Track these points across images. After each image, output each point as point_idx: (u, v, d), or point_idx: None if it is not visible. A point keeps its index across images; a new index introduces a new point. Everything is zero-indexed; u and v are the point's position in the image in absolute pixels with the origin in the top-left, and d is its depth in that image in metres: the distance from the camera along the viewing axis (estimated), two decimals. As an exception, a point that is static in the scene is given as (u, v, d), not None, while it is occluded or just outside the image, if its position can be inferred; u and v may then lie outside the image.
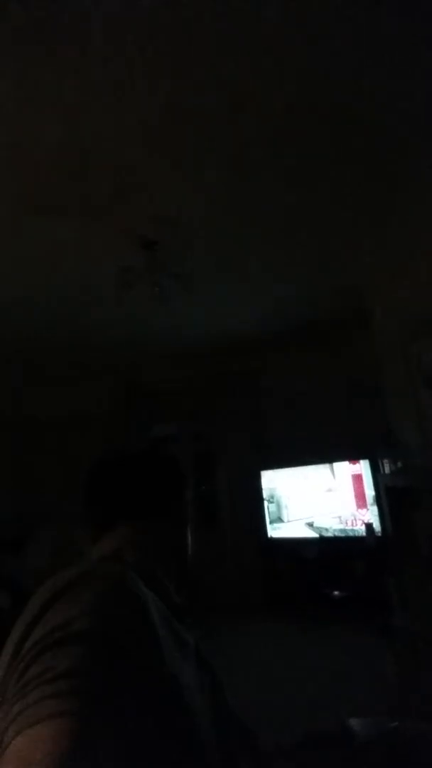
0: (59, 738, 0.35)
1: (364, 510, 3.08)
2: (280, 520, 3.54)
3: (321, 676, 2.10)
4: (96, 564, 0.62)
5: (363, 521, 3.04)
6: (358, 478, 3.19)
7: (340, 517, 3.22)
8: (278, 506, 3.57)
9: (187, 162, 1.76)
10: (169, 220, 2.09)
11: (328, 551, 3.20)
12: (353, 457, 3.24)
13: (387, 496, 2.74)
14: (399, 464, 2.51)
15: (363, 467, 3.18)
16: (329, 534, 3.24)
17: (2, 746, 0.38)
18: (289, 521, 3.48)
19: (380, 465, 2.92)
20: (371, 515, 3.02)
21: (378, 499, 2.99)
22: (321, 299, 3.22)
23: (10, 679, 0.45)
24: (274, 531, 3.50)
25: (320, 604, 2.98)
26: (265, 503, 3.61)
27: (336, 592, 3.00)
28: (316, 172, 1.89)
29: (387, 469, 2.70)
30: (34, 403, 3.91)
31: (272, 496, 3.61)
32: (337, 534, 3.20)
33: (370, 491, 3.07)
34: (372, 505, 3.03)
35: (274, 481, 3.63)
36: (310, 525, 3.36)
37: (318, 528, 3.31)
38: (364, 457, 3.17)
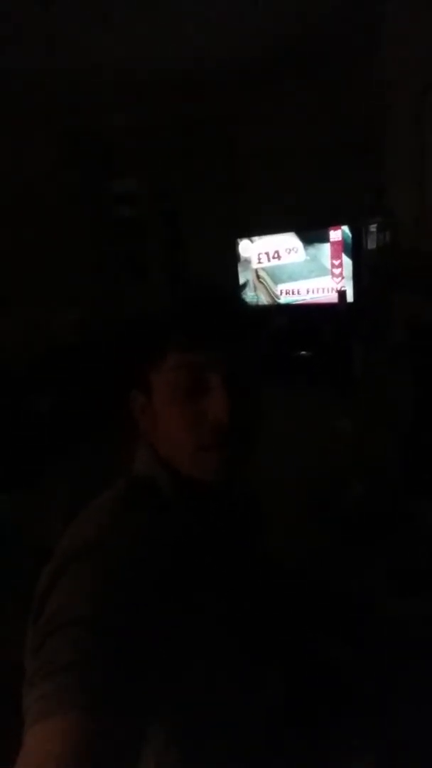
0: (62, 738, 0.37)
1: (341, 280, 3.09)
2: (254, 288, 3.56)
3: (287, 427, 2.50)
4: (114, 516, 0.57)
5: (336, 290, 3.09)
6: (336, 246, 3.08)
7: (315, 288, 3.26)
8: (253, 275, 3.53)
9: None
10: None
11: (299, 317, 3.35)
12: (334, 223, 3.04)
13: (366, 271, 2.72)
14: (386, 237, 2.40)
15: (343, 234, 3.02)
16: (302, 301, 3.33)
17: (24, 726, 0.41)
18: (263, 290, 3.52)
19: (364, 234, 2.79)
20: (347, 285, 3.05)
21: (355, 270, 2.97)
22: (312, 22, 2.37)
23: (31, 646, 0.47)
24: (248, 298, 3.55)
25: (291, 363, 3.29)
26: (239, 272, 3.55)
27: (304, 353, 3.29)
28: None
29: (370, 243, 2.59)
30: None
31: (247, 266, 3.53)
32: (309, 301, 3.30)
33: (347, 261, 3.02)
34: (348, 278, 3.02)
35: (248, 251, 3.48)
36: (285, 293, 3.41)
37: (292, 298, 3.38)
38: (345, 223, 2.98)
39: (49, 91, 2.92)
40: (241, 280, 3.56)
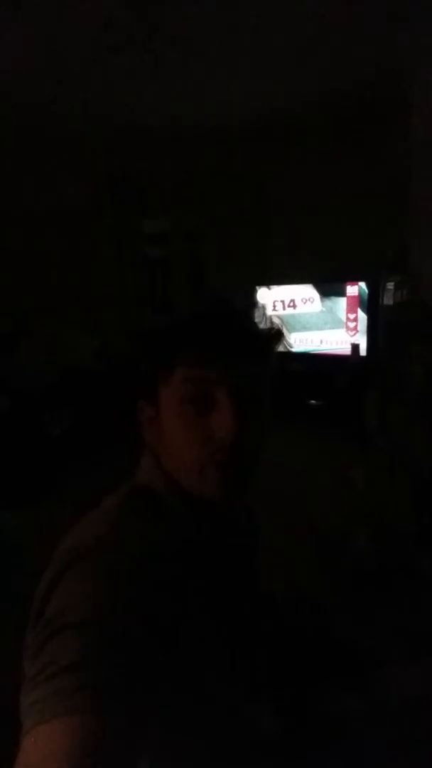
0: (67, 738, 0.37)
1: (354, 334, 3.15)
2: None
3: (295, 473, 2.46)
4: (117, 518, 0.57)
5: (351, 343, 3.14)
6: (352, 300, 3.16)
7: (328, 339, 3.31)
8: (268, 323, 3.60)
9: None
10: None
11: (311, 366, 3.38)
12: (352, 278, 3.13)
13: (381, 324, 2.77)
14: (404, 294, 2.46)
15: (360, 290, 3.10)
16: (315, 351, 3.38)
17: (23, 730, 0.40)
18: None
19: (380, 291, 2.86)
20: (360, 339, 3.10)
21: (370, 325, 3.03)
22: (344, 87, 2.59)
23: (30, 648, 0.46)
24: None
25: (301, 411, 3.28)
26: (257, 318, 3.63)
27: (314, 402, 3.30)
28: None
29: (387, 299, 2.65)
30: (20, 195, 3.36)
31: (263, 314, 3.61)
32: (322, 351, 3.35)
33: (362, 316, 3.08)
34: (362, 332, 3.08)
35: (265, 298, 3.58)
36: (298, 341, 3.47)
37: (305, 347, 3.43)
38: (363, 279, 3.07)
39: (91, 134, 3.14)
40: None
